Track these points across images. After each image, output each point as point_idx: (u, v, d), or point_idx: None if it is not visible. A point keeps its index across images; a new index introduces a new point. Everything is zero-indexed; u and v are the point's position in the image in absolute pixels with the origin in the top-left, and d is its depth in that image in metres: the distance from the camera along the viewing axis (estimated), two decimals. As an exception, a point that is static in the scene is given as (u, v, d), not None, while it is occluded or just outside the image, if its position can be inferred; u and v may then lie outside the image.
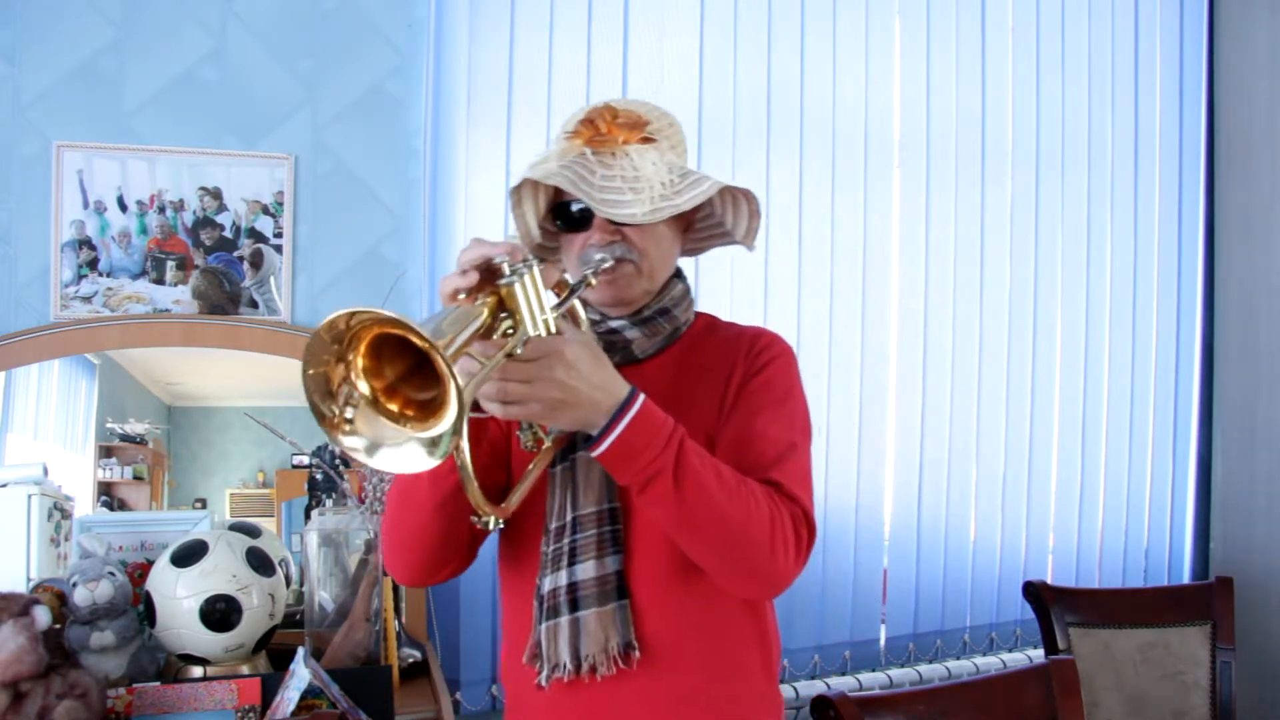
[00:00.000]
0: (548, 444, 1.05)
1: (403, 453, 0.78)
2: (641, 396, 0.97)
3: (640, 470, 0.96)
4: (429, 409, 0.78)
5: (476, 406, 0.92)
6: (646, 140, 1.09)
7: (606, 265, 1.07)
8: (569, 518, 1.08)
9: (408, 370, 0.80)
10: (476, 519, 0.93)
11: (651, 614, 1.08)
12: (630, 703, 1.08)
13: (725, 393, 1.13)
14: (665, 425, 0.97)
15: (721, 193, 1.11)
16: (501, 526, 0.96)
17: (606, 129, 1.08)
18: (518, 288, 0.89)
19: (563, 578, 1.07)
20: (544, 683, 1.08)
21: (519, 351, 0.88)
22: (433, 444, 0.77)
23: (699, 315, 1.22)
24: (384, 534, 1.12)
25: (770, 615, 1.20)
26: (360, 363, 0.78)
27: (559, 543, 1.08)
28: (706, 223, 1.22)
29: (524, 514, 1.10)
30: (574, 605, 1.07)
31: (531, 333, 0.89)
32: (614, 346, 1.14)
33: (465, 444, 0.88)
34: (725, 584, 1.06)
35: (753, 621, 1.16)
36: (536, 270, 0.91)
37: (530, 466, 1.03)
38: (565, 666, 1.06)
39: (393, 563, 1.13)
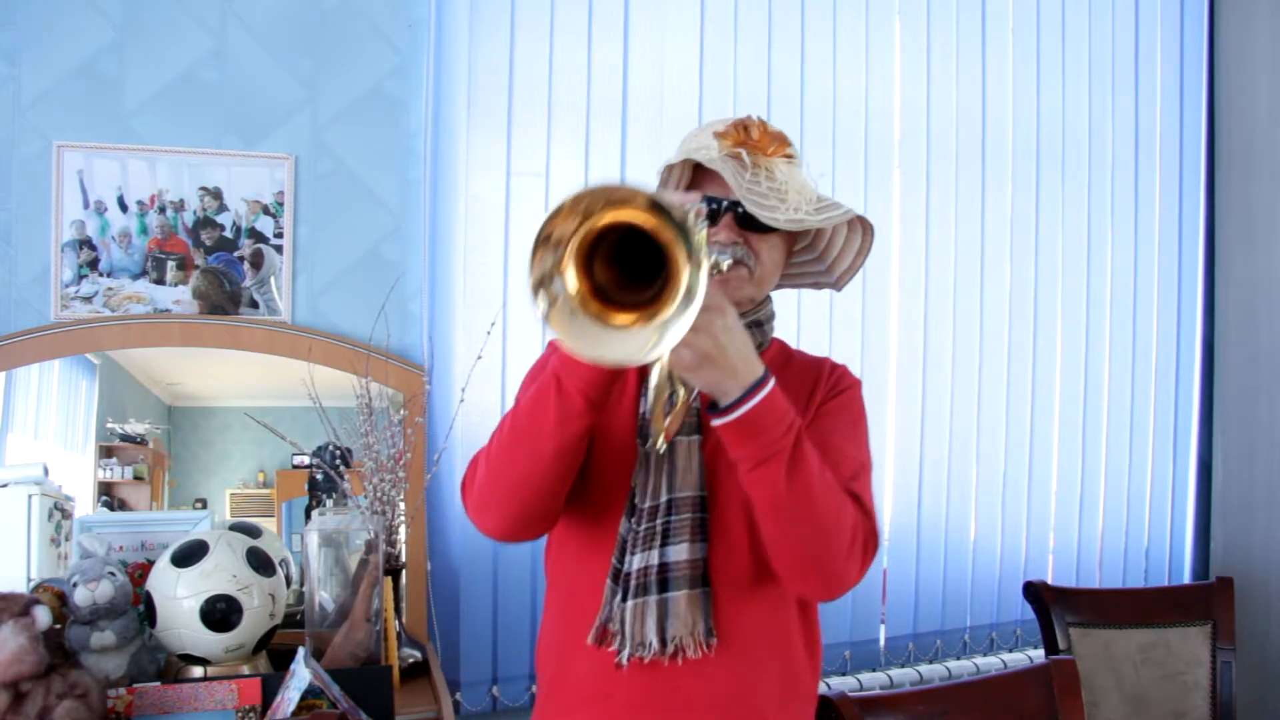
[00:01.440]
0: (681, 401, 1.05)
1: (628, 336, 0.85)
2: (774, 379, 1.00)
3: (760, 448, 0.98)
4: (637, 308, 0.86)
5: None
6: (789, 158, 1.15)
7: (728, 262, 1.09)
8: (664, 499, 1.09)
9: (614, 277, 0.88)
10: (642, 443, 0.96)
11: (727, 606, 1.11)
12: (703, 690, 1.10)
13: (805, 411, 1.17)
14: (789, 412, 1.01)
15: (840, 225, 1.19)
16: (664, 449, 1.00)
17: (759, 136, 1.12)
18: (703, 239, 0.91)
19: (654, 557, 1.08)
20: (624, 661, 1.08)
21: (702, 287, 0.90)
22: (665, 328, 0.83)
23: (774, 339, 1.27)
24: (483, 484, 1.09)
25: (818, 624, 1.24)
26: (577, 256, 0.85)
27: (651, 522, 1.09)
28: (802, 258, 1.27)
29: (599, 492, 1.11)
30: (664, 585, 1.08)
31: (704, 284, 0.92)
32: None
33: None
34: (794, 578, 1.09)
35: (807, 628, 1.20)
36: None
37: (668, 418, 1.05)
38: (651, 645, 1.07)
39: (492, 512, 1.10)
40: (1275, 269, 2.63)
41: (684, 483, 1.09)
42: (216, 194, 1.90)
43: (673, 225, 0.83)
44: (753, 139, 1.12)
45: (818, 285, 1.30)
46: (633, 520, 1.10)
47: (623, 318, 0.87)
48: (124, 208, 1.86)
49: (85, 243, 1.83)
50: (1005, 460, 2.54)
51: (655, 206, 0.83)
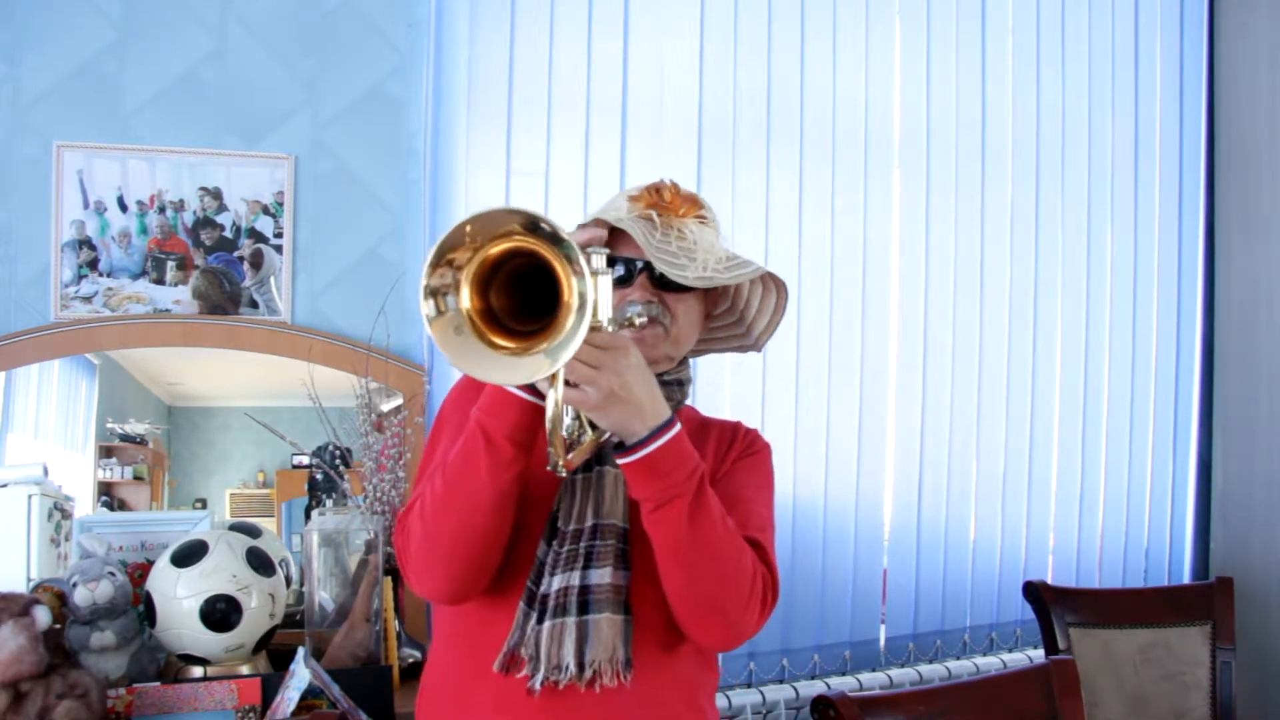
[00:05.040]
0: (590, 440, 1.06)
1: (524, 363, 0.87)
2: (679, 424, 1.01)
3: (662, 489, 1.00)
4: (526, 338, 0.88)
5: (533, 389, 0.98)
6: (701, 220, 1.16)
7: (642, 319, 1.10)
8: (589, 523, 1.08)
9: (509, 305, 0.91)
10: (553, 461, 0.96)
11: (644, 641, 1.08)
12: (615, 718, 1.07)
13: (718, 467, 1.19)
14: (693, 456, 1.02)
15: (754, 282, 1.21)
16: (565, 475, 1.00)
17: (670, 198, 1.14)
18: (603, 280, 0.92)
19: (575, 578, 1.06)
20: (537, 687, 1.04)
21: (601, 327, 0.93)
22: (557, 350, 0.85)
23: (687, 406, 1.28)
24: (421, 548, 1.06)
25: (716, 683, 1.25)
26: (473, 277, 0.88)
27: (575, 545, 1.07)
28: (722, 322, 1.29)
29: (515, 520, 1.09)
30: (584, 608, 1.05)
31: (606, 326, 0.94)
32: None
33: (560, 381, 0.92)
34: (693, 624, 1.07)
35: (712, 677, 1.21)
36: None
37: (570, 451, 1.05)
38: (568, 669, 1.03)
39: (436, 575, 1.06)
40: (1275, 269, 2.62)
41: (610, 511, 1.09)
42: (216, 194, 1.90)
43: (547, 240, 0.85)
44: (664, 200, 1.14)
45: (741, 348, 1.32)
46: (554, 543, 1.08)
47: (513, 342, 0.89)
48: (124, 208, 1.86)
49: (85, 243, 1.83)
50: (1005, 460, 2.54)
51: (531, 225, 0.85)
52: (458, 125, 2.00)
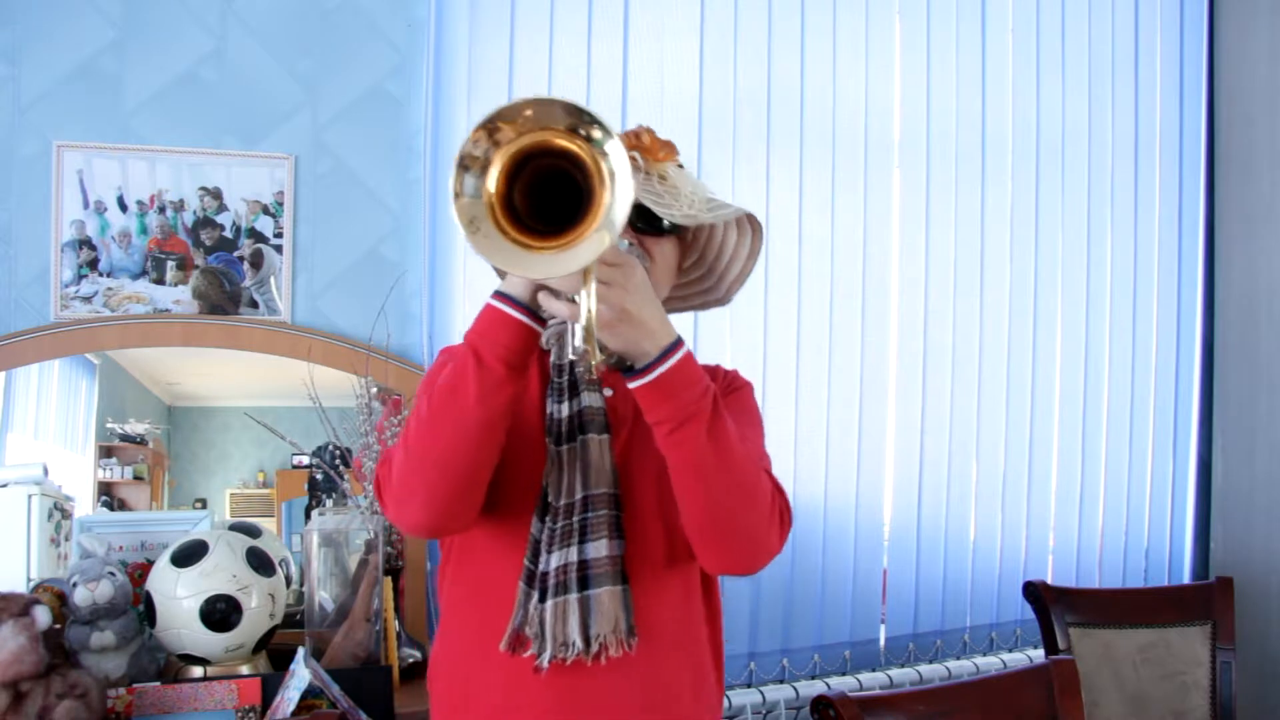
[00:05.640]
0: (600, 366, 1.03)
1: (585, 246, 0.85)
2: (686, 344, 1.00)
3: (678, 409, 0.98)
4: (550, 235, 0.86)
5: (530, 311, 0.96)
6: (680, 166, 1.16)
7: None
8: (579, 495, 1.08)
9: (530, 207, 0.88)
10: (587, 363, 0.95)
11: (642, 603, 1.09)
12: (622, 689, 1.08)
13: None
14: (703, 375, 1.01)
15: (727, 227, 1.20)
16: (600, 371, 0.98)
17: (649, 142, 1.13)
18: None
19: (573, 554, 1.06)
20: (545, 665, 1.05)
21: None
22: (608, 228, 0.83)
23: None
24: (403, 474, 1.02)
25: (721, 632, 1.24)
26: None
27: (568, 519, 1.07)
28: (689, 276, 1.27)
29: (507, 493, 1.09)
30: (584, 583, 1.05)
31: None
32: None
33: (593, 284, 0.90)
34: (719, 546, 1.07)
35: (713, 631, 1.21)
36: None
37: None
38: (575, 645, 1.04)
39: (416, 503, 1.03)
40: (1275, 269, 2.62)
41: (598, 480, 1.08)
42: (216, 194, 1.90)
43: (595, 147, 0.84)
44: (644, 144, 1.13)
45: (705, 305, 1.31)
46: (547, 519, 1.07)
47: (531, 240, 0.87)
48: (124, 208, 1.86)
49: (85, 243, 1.83)
50: (1005, 460, 2.54)
51: (584, 129, 0.84)
52: (458, 125, 2.00)
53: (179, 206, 1.88)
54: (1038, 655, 2.46)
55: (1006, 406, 2.54)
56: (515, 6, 2.04)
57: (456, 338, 1.99)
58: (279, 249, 1.94)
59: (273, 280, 1.94)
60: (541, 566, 1.07)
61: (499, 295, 0.97)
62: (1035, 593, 2.14)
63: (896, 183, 2.43)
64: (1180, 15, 2.77)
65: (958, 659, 2.48)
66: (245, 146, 1.92)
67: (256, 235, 1.93)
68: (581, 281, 0.89)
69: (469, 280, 2.01)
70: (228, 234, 1.91)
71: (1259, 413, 2.66)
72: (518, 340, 0.96)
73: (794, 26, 2.29)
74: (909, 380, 2.43)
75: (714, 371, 1.24)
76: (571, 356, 1.04)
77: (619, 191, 0.83)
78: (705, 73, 2.20)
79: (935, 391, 2.45)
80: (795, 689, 2.24)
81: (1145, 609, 2.16)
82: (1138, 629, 2.13)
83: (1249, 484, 2.68)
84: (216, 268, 1.90)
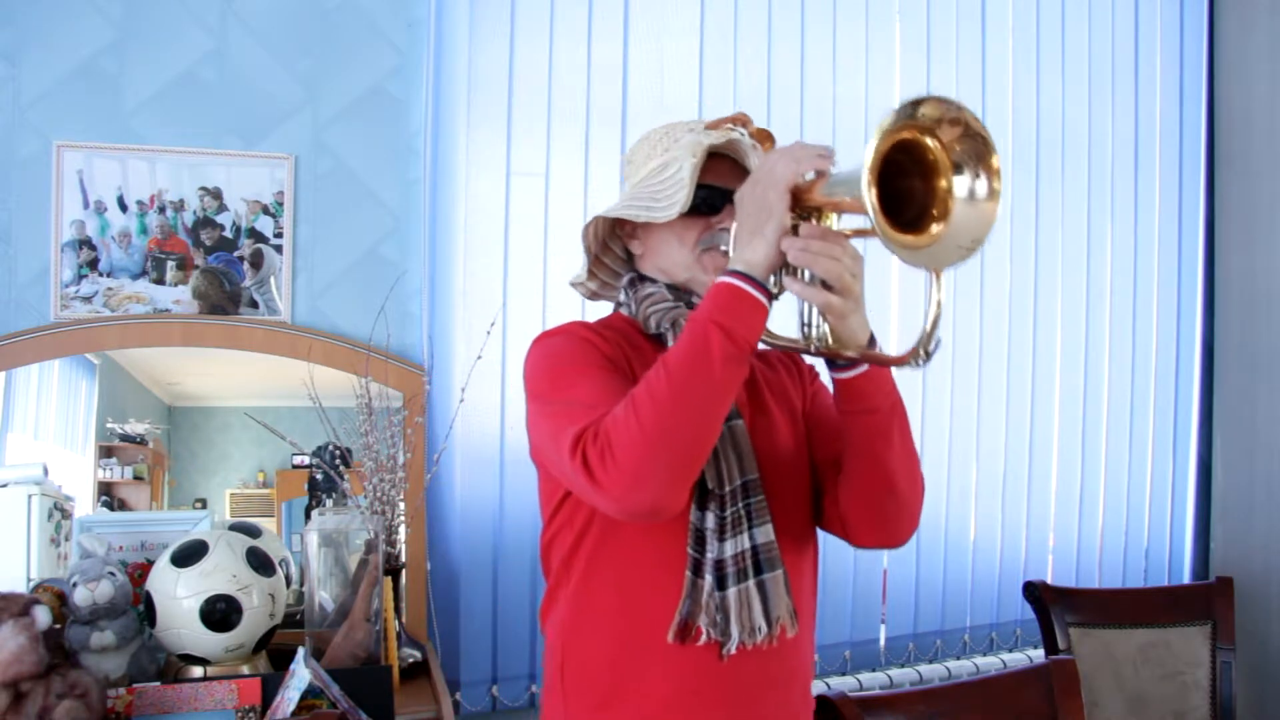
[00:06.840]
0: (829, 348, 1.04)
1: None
2: None
3: (892, 391, 1.06)
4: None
5: (768, 291, 0.98)
6: None
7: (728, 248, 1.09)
8: (738, 482, 1.09)
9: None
10: (915, 361, 0.98)
11: (793, 584, 1.13)
12: (782, 668, 1.13)
13: (800, 386, 1.26)
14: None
15: None
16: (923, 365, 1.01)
17: (753, 130, 1.16)
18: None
19: (745, 541, 1.08)
20: (732, 651, 1.07)
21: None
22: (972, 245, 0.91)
23: None
24: (642, 456, 0.94)
25: None
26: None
27: (735, 506, 1.08)
28: None
29: None
30: (759, 568, 1.08)
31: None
32: None
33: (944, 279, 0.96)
34: (894, 522, 1.18)
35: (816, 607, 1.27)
36: None
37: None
38: (761, 630, 1.07)
39: (655, 484, 0.95)
40: (1275, 268, 2.62)
41: (748, 466, 1.10)
42: (216, 194, 1.90)
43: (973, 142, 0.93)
44: (751, 129, 1.15)
45: None
46: (710, 506, 1.07)
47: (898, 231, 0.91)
48: (124, 208, 1.86)
49: (85, 243, 1.83)
50: (1005, 460, 2.54)
51: (952, 126, 0.94)
52: (458, 125, 2.00)
53: (179, 206, 1.88)
54: (1038, 655, 2.46)
55: (1006, 406, 2.54)
56: (515, 6, 2.03)
57: (457, 337, 1.99)
58: (279, 249, 1.94)
59: (273, 280, 1.94)
60: (713, 554, 1.07)
61: (736, 274, 0.97)
62: (1035, 593, 2.14)
63: (896, 183, 2.42)
64: (1180, 15, 2.77)
65: (958, 659, 2.48)
66: (245, 146, 1.92)
67: (256, 235, 1.93)
68: (840, 263, 0.96)
69: (469, 280, 2.01)
70: (228, 234, 1.91)
71: (1259, 413, 2.66)
72: (761, 319, 0.98)
73: (794, 27, 2.29)
74: (909, 380, 2.43)
75: (792, 357, 1.28)
76: (799, 341, 1.06)
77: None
78: (705, 73, 2.20)
79: (935, 391, 2.45)
80: (795, 689, 2.23)
81: (1145, 609, 2.16)
82: (1138, 629, 2.13)
83: (1249, 484, 2.68)
84: (216, 268, 1.90)
